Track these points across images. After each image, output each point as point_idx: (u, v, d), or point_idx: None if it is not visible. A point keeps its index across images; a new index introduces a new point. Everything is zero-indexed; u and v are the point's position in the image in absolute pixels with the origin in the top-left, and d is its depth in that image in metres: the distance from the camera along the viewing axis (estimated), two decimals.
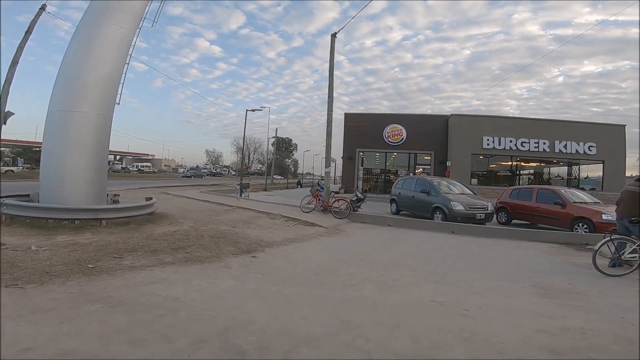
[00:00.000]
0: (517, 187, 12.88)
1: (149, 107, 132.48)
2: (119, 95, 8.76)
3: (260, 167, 76.62)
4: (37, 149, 54.46)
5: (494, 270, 5.63)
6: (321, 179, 11.49)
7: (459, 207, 9.82)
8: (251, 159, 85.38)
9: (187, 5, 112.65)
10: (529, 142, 21.00)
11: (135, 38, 9.16)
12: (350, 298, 3.93)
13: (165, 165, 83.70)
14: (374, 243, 7.30)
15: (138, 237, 6.42)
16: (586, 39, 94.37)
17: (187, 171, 62.01)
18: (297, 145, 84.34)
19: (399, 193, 12.56)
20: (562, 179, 22.82)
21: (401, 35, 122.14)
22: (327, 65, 11.52)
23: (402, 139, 22.15)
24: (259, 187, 27.63)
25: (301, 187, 35.64)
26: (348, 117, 23.55)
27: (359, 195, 11.22)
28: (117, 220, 7.37)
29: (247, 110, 16.03)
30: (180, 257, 5.31)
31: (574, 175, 22.62)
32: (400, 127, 22.24)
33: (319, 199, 10.98)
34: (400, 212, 12.53)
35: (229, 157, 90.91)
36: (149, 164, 73.15)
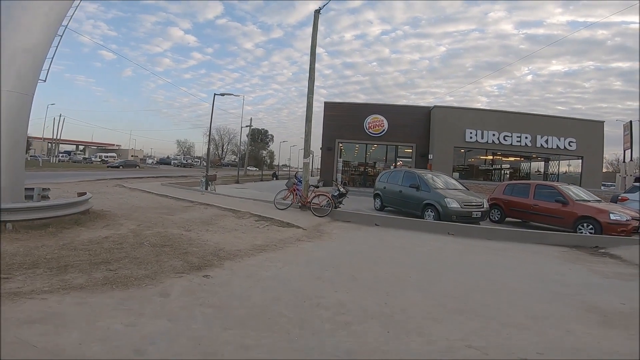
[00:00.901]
0: (512, 182, 12.00)
1: (117, 97, 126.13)
2: (45, 72, 7.24)
3: (235, 159, 73.78)
4: None
5: (519, 286, 4.44)
6: (298, 171, 10.00)
7: (453, 205, 8.69)
8: (225, 150, 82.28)
9: None
10: (511, 136, 20.51)
11: (74, 10, 7.56)
12: (349, 351, 2.55)
13: (132, 156, 79.60)
14: (363, 250, 5.95)
15: (51, 247, 4.72)
16: (555, 39, 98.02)
17: (115, 160, 50.93)
18: (273, 136, 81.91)
19: (384, 187, 11.33)
20: (540, 173, 22.65)
21: (380, 29, 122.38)
22: (306, 58, 10.10)
23: (384, 130, 21.01)
24: (230, 179, 25.76)
25: (277, 179, 33.94)
26: (328, 106, 22.10)
27: (341, 189, 9.85)
28: (30, 222, 5.58)
29: (215, 94, 14.26)
30: (99, 278, 3.72)
31: (551, 170, 22.48)
32: (382, 117, 21.08)
33: (296, 194, 9.52)
34: (385, 209, 11.33)
35: (202, 148, 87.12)
36: (113, 154, 69.11)
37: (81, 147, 78.45)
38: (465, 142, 20.28)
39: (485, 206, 9.29)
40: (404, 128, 21.06)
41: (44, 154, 49.65)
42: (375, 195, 11.80)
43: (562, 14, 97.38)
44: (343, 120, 21.30)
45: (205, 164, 73.34)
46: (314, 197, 9.15)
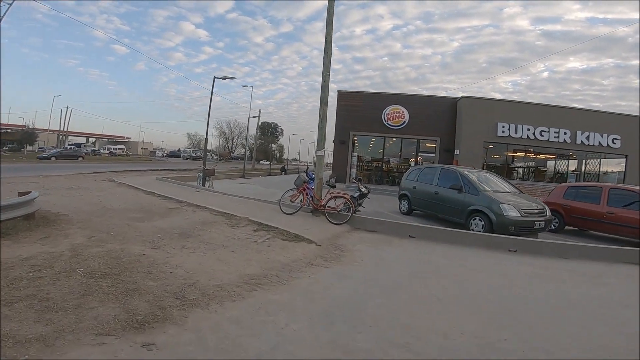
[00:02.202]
0: (575, 184, 9.96)
1: (129, 90, 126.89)
2: None
3: (245, 152, 72.34)
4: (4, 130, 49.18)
5: None
6: (310, 166, 8.06)
7: (512, 213, 6.72)
8: (235, 144, 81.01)
9: None
10: (548, 132, 18.25)
11: None
12: None
13: (142, 148, 79.29)
14: (407, 282, 4.06)
15: None
16: (573, 35, 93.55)
17: (50, 150, 37.25)
18: (283, 130, 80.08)
19: (414, 187, 9.40)
20: (576, 172, 20.30)
21: (391, 24, 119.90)
22: (316, 53, 8.66)
23: (404, 122, 18.94)
24: (237, 173, 24.09)
25: (285, 173, 32.29)
26: (342, 95, 20.09)
27: (362, 189, 7.95)
28: None
29: (214, 77, 12.59)
30: None
31: (588, 169, 20.12)
32: (402, 108, 19.00)
33: (307, 195, 7.67)
34: (414, 212, 9.44)
35: (211, 141, 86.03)
36: (122, 146, 68.30)
37: (92, 140, 78.08)
38: (497, 137, 18.09)
39: (547, 213, 7.30)
40: (426, 120, 18.97)
41: (53, 146, 48.75)
42: (402, 197, 9.87)
43: (580, 10, 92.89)
44: (358, 110, 19.31)
45: (214, 157, 72.06)
46: (329, 199, 7.28)
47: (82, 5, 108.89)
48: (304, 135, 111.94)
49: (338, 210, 7.14)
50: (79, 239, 4.45)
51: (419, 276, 4.29)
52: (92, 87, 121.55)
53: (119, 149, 64.32)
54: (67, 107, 64.18)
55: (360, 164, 20.54)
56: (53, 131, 51.12)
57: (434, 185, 8.49)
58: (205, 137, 12.72)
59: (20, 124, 52.39)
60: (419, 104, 19.42)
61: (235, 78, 19.12)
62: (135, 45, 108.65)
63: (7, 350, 2.07)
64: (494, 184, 7.98)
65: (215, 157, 72.54)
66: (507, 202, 6.86)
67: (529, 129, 18.13)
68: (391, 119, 18.93)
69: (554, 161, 20.74)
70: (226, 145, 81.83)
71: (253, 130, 45.56)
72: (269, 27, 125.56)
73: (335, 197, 7.23)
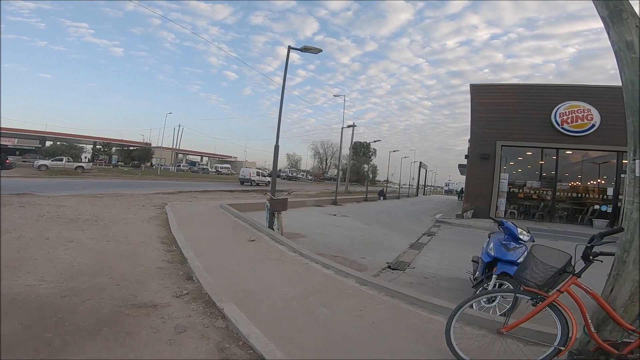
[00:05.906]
0: None
1: (239, 114, 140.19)
2: None
3: (337, 172, 69.16)
4: (134, 147, 56.71)
5: None
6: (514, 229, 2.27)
7: None
8: (328, 164, 79.05)
9: (266, 14, 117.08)
10: None
11: None
12: None
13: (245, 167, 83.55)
14: None
15: None
16: None
17: None
18: (376, 150, 74.78)
19: None
20: None
21: (488, 34, 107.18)
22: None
23: (593, 125, 11.81)
24: (327, 196, 19.63)
25: (384, 198, 26.72)
26: (478, 91, 13.99)
27: None
28: None
29: (289, 47, 8.36)
30: None
31: None
32: (588, 106, 11.93)
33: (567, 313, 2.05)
34: None
35: (306, 161, 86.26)
36: (228, 165, 72.15)
37: (206, 159, 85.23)
38: None
39: None
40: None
41: (171, 164, 52.84)
42: None
43: None
44: (508, 110, 12.92)
45: (309, 178, 70.27)
46: None
47: (197, 34, 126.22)
48: (404, 152, 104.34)
49: None
50: None
51: None
52: (212, 111, 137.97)
53: (224, 167, 67.75)
54: (179, 125, 70.16)
55: (513, 190, 13.71)
56: (166, 148, 55.75)
57: None
58: (275, 143, 8.27)
59: (141, 141, 59.29)
60: (613, 101, 12.02)
61: (321, 50, 12.74)
62: (242, 71, 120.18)
63: None
64: None
65: (310, 177, 70.86)
66: None
67: None
68: (569, 121, 12.00)
69: None
70: (320, 166, 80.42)
71: (345, 150, 41.64)
72: (354, 47, 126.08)
73: None
